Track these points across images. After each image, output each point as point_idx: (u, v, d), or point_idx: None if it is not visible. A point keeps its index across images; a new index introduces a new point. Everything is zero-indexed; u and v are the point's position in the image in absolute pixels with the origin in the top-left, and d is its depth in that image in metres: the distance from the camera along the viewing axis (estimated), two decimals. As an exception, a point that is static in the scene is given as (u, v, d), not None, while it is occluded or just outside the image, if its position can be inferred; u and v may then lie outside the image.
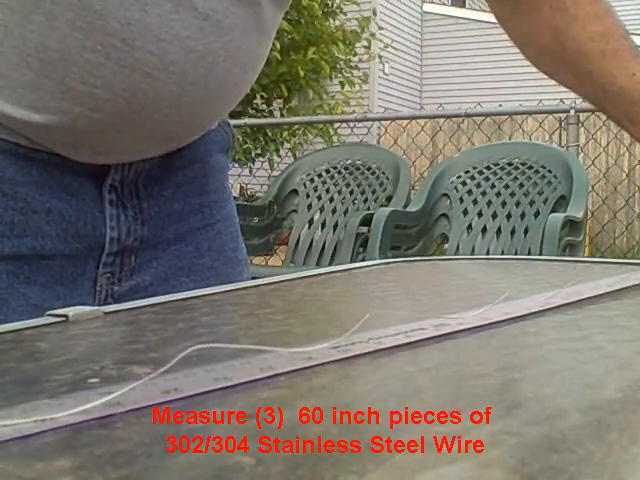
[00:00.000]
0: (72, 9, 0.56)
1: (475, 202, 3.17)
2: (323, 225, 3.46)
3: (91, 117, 0.59)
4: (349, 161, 3.56)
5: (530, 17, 0.76)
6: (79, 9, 0.56)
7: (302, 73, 6.74)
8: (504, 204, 3.12)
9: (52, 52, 0.57)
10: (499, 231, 3.09)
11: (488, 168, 3.21)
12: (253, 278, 0.65)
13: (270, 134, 6.76)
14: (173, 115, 0.62)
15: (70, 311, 0.42)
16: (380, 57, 8.28)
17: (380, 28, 8.28)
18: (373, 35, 7.46)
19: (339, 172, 3.55)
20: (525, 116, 5.23)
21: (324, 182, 3.54)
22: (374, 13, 7.76)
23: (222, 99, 0.66)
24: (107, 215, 0.66)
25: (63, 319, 0.42)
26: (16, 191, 0.61)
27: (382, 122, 5.96)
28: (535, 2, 0.76)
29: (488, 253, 3.01)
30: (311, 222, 3.47)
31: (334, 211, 3.48)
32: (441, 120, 5.04)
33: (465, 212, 3.17)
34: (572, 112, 3.82)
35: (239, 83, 0.67)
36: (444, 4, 11.90)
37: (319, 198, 3.51)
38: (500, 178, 3.17)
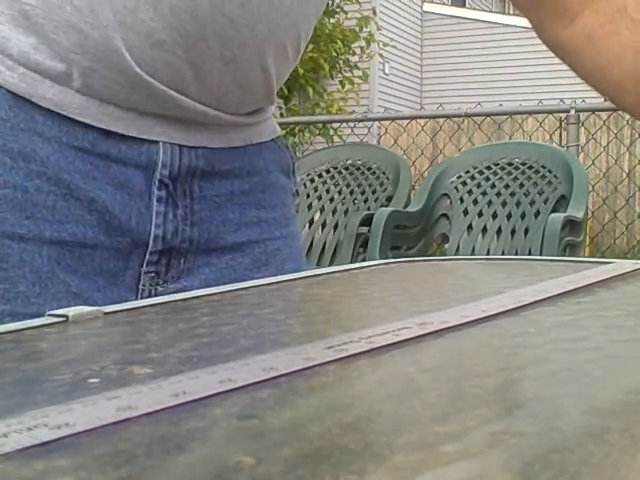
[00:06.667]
0: None
1: (475, 202, 3.17)
2: (323, 225, 3.46)
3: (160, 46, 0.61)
4: (349, 161, 3.56)
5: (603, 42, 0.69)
6: None
7: (301, 71, 6.74)
8: (504, 204, 3.13)
9: None
10: (499, 231, 3.09)
11: (488, 168, 3.21)
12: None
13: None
14: (233, 61, 0.64)
15: (70, 311, 0.42)
16: (381, 55, 8.28)
17: (379, 28, 8.28)
18: (372, 35, 7.46)
19: (339, 172, 3.55)
20: (525, 116, 5.24)
21: (324, 182, 3.54)
22: (374, 12, 7.75)
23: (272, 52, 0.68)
24: (154, 212, 0.65)
25: (63, 319, 0.42)
26: (60, 177, 0.62)
27: (382, 122, 5.96)
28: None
29: (488, 253, 3.01)
30: (311, 222, 3.47)
31: (334, 211, 3.48)
32: (441, 120, 5.03)
33: (465, 212, 3.18)
34: (572, 112, 3.83)
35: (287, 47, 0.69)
36: (444, 4, 11.90)
37: (319, 198, 3.51)
38: (500, 178, 3.17)
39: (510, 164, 3.17)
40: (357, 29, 7.29)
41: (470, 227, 3.15)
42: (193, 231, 0.67)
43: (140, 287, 0.66)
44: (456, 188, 3.22)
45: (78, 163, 0.62)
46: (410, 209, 3.17)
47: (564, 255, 2.73)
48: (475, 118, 4.40)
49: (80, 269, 0.63)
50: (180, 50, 0.62)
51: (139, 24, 0.60)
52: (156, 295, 0.66)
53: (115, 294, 0.64)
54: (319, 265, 3.31)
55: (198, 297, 0.50)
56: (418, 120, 4.84)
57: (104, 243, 0.63)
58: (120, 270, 0.65)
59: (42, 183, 0.61)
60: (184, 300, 0.49)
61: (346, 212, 3.45)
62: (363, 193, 3.47)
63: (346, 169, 3.54)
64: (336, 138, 6.58)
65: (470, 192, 3.19)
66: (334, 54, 7.15)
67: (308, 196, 3.51)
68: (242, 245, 0.71)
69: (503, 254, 2.95)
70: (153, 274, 0.66)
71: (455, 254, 3.05)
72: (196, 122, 0.67)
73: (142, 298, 0.66)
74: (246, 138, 0.72)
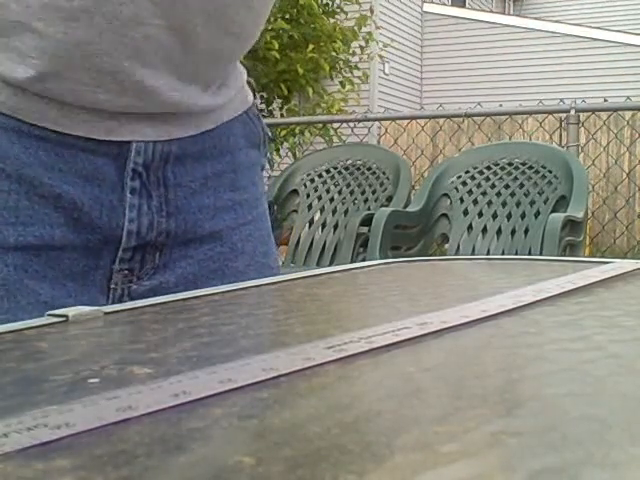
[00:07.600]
0: None
1: (475, 202, 3.17)
2: (323, 225, 3.46)
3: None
4: (349, 161, 3.56)
5: None
6: None
7: (301, 71, 6.74)
8: (504, 204, 3.13)
9: None
10: (499, 231, 3.09)
11: (488, 168, 3.21)
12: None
13: (270, 134, 6.74)
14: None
15: (70, 311, 0.42)
16: (381, 57, 8.29)
17: (377, 27, 8.28)
18: (370, 34, 7.46)
19: (339, 172, 3.55)
20: (525, 116, 5.23)
21: (324, 182, 3.54)
22: (371, 11, 7.74)
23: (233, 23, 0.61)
24: (127, 205, 0.60)
25: (63, 319, 0.42)
26: (21, 173, 0.56)
27: (382, 122, 5.96)
28: None
29: (488, 253, 3.01)
30: (311, 222, 3.47)
31: (334, 211, 3.48)
32: (441, 120, 5.04)
33: (465, 212, 3.18)
34: (572, 112, 3.83)
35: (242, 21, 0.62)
36: (444, 4, 11.90)
37: (319, 198, 3.51)
38: (500, 178, 3.17)
39: (510, 164, 3.17)
40: (356, 28, 7.29)
41: (470, 227, 3.15)
42: (169, 222, 0.62)
43: (111, 286, 0.61)
44: (456, 188, 3.22)
45: (41, 154, 0.56)
46: (410, 209, 3.17)
47: (564, 255, 2.73)
48: (475, 118, 4.40)
49: (48, 274, 0.57)
50: (157, 19, 0.55)
51: (103, 4, 0.53)
52: (130, 294, 0.61)
53: (85, 296, 0.59)
54: (319, 265, 3.31)
55: (198, 297, 0.50)
56: (418, 120, 4.83)
57: (73, 243, 0.58)
58: (90, 270, 0.59)
59: (1, 182, 0.55)
60: (184, 300, 0.49)
61: (346, 212, 3.45)
62: (363, 193, 3.47)
63: (346, 169, 3.54)
64: (336, 138, 6.58)
65: (470, 192, 3.19)
66: (334, 53, 7.15)
67: (308, 196, 3.51)
68: (220, 233, 0.66)
69: (503, 254, 2.95)
70: (126, 272, 0.61)
71: (455, 254, 3.05)
72: (168, 114, 0.61)
73: (114, 298, 0.61)
74: (217, 119, 0.67)
